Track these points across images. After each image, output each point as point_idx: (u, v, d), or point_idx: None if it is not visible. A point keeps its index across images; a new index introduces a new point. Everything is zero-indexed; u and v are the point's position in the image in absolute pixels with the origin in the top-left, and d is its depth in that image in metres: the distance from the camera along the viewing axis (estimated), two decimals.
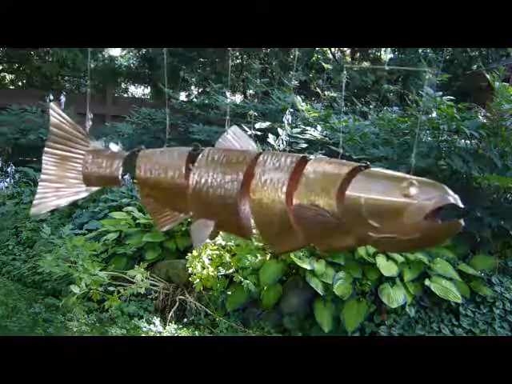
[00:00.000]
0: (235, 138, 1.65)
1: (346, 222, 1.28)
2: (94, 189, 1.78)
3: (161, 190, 1.64)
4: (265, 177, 1.42)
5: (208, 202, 1.52)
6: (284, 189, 1.38)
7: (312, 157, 1.46)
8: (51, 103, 1.73)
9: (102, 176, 1.72)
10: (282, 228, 1.42)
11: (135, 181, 1.72)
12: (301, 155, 1.46)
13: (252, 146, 1.64)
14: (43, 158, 1.71)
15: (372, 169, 1.33)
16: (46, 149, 1.70)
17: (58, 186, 1.72)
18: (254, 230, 1.58)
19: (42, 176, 1.71)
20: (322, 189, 1.31)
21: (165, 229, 1.74)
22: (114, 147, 1.78)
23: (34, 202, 1.70)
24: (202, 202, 1.54)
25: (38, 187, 1.71)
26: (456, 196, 1.17)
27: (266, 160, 1.45)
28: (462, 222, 1.15)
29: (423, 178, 1.24)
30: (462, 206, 1.15)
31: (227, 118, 2.04)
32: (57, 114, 1.72)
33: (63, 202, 1.74)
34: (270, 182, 1.41)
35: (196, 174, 1.54)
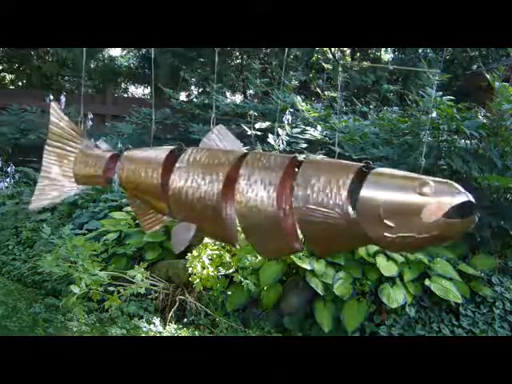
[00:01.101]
0: (220, 137, 1.60)
1: (360, 223, 1.25)
2: (83, 187, 1.81)
3: (141, 190, 1.62)
4: (253, 178, 1.37)
5: (188, 204, 1.47)
6: (274, 191, 1.34)
7: (302, 157, 1.43)
8: (52, 102, 1.79)
9: (88, 175, 1.74)
10: (270, 232, 1.37)
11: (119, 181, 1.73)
12: (291, 155, 1.42)
13: (237, 146, 1.60)
14: (43, 154, 1.76)
15: (382, 168, 1.31)
16: (45, 146, 1.76)
17: (54, 183, 1.75)
18: (241, 236, 1.53)
19: (41, 173, 1.75)
20: (329, 190, 1.28)
21: (151, 230, 1.72)
22: (103, 146, 1.78)
23: (33, 197, 1.75)
24: (182, 204, 1.49)
25: (38, 183, 1.76)
26: (468, 193, 1.19)
27: (254, 160, 1.41)
28: (476, 217, 1.18)
29: (434, 177, 1.25)
30: (474, 201, 1.18)
31: (213, 116, 2.01)
32: (56, 113, 1.75)
33: (57, 198, 1.79)
34: (258, 183, 1.36)
35: (176, 175, 1.50)
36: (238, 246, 1.48)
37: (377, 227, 1.23)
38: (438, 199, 1.17)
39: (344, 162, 1.39)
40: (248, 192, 1.37)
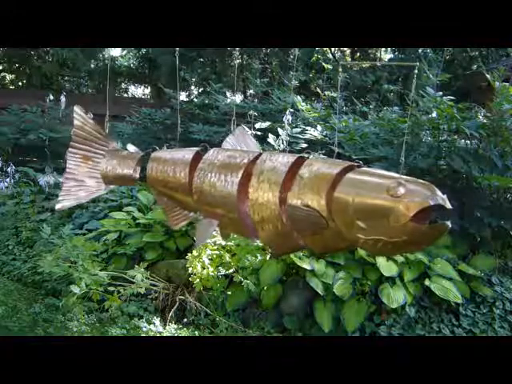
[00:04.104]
0: (239, 138, 1.69)
1: (336, 223, 1.25)
2: (112, 186, 1.90)
3: (169, 188, 1.71)
4: (262, 177, 1.42)
5: (209, 201, 1.55)
6: (278, 189, 1.38)
7: (310, 155, 1.46)
8: (75, 106, 1.84)
9: (119, 175, 1.82)
10: (276, 229, 1.41)
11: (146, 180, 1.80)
12: (297, 155, 1.46)
13: (255, 146, 1.67)
14: (67, 156, 1.82)
15: (363, 168, 1.31)
16: (69, 149, 1.82)
17: (80, 184, 1.83)
18: None
19: (66, 174, 1.82)
20: (314, 189, 1.30)
21: (178, 226, 1.83)
22: (131, 148, 1.89)
23: (59, 198, 1.82)
24: (204, 201, 1.57)
25: (63, 184, 1.83)
26: (444, 196, 1.13)
27: (265, 160, 1.46)
28: (448, 224, 1.11)
29: (413, 178, 1.21)
30: (449, 206, 1.11)
31: (233, 118, 2.08)
32: (79, 116, 1.82)
33: (84, 198, 1.87)
34: (265, 182, 1.41)
35: (199, 174, 1.57)
36: (259, 242, 1.54)
37: (350, 228, 1.21)
38: (407, 202, 1.12)
39: (338, 161, 1.41)
40: (257, 190, 1.42)
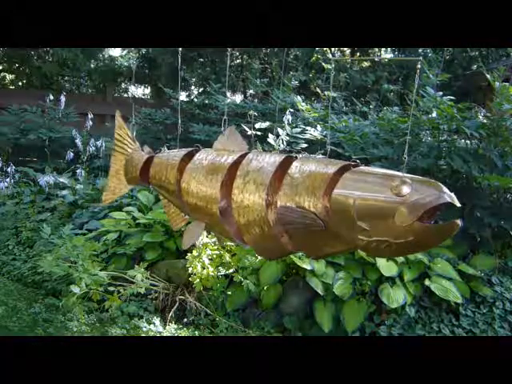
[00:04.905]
0: (229, 138, 1.66)
1: (334, 224, 1.19)
2: (131, 186, 2.00)
3: (164, 189, 1.73)
4: (247, 178, 1.38)
5: (195, 202, 1.54)
6: (264, 190, 1.33)
7: (299, 155, 1.42)
8: (117, 111, 1.98)
9: (130, 176, 1.90)
10: (262, 232, 1.36)
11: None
12: (285, 155, 1.42)
13: (243, 147, 1.63)
14: (111, 157, 1.99)
15: (362, 167, 1.26)
16: (112, 151, 2.01)
17: (116, 181, 1.97)
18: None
19: (110, 172, 1.99)
20: (308, 189, 1.24)
21: (177, 227, 1.84)
22: (146, 149, 1.96)
23: (105, 193, 1.99)
24: (189, 203, 1.56)
25: (109, 181, 2.00)
26: (452, 194, 1.08)
27: (251, 160, 1.42)
28: (459, 222, 1.05)
29: (417, 176, 1.16)
30: (458, 204, 1.06)
31: (224, 118, 2.09)
32: (118, 121, 1.96)
33: (118, 195, 2.03)
34: (251, 183, 1.36)
35: (185, 176, 1.56)
36: (248, 246, 1.51)
37: (351, 229, 1.15)
38: (413, 201, 1.06)
39: (331, 160, 1.36)
40: (242, 192, 1.38)
